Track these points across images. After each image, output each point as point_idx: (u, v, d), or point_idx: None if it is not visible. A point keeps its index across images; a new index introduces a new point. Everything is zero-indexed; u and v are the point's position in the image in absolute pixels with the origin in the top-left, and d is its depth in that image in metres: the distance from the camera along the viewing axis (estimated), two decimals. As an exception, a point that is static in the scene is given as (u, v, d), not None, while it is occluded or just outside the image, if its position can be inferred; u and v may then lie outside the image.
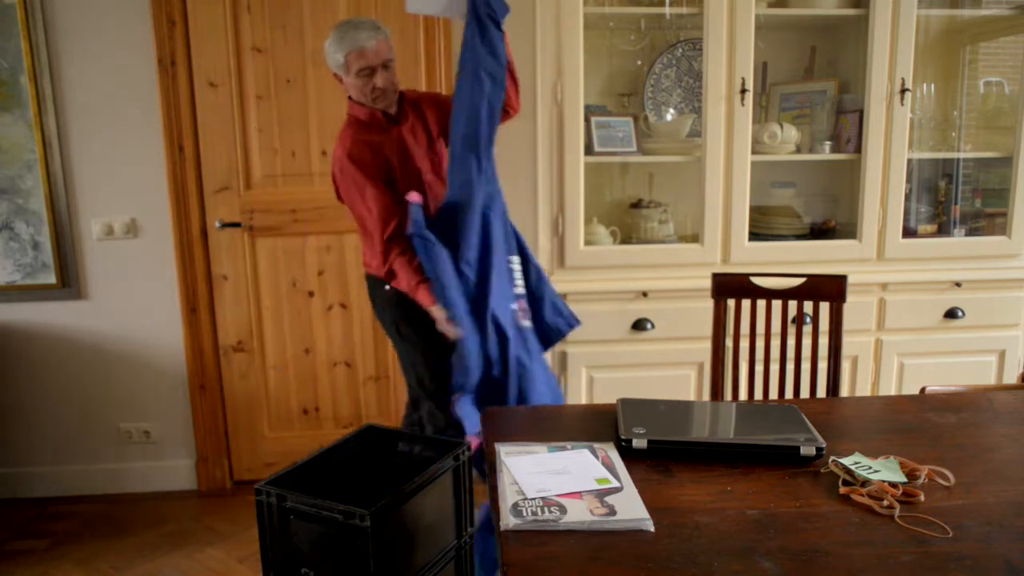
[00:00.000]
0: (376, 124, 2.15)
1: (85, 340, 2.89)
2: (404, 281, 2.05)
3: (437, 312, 1.98)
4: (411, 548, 1.67)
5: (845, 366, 2.64)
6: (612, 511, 1.20)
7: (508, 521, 1.17)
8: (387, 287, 2.15)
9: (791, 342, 2.13)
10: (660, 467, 1.37)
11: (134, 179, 2.79)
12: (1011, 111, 2.73)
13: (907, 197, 2.68)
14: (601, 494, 1.25)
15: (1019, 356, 2.72)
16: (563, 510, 1.20)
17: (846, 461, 1.32)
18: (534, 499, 1.24)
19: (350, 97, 2.16)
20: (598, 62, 2.79)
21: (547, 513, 1.19)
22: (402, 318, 2.18)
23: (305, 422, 3.05)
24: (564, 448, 1.44)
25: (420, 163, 2.18)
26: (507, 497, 1.25)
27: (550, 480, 1.30)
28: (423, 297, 2.00)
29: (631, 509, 1.20)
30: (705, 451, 1.40)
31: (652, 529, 1.15)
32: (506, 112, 2.19)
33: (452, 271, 2.00)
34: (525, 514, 1.19)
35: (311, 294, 2.95)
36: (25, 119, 2.70)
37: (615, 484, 1.29)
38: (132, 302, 2.87)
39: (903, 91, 2.56)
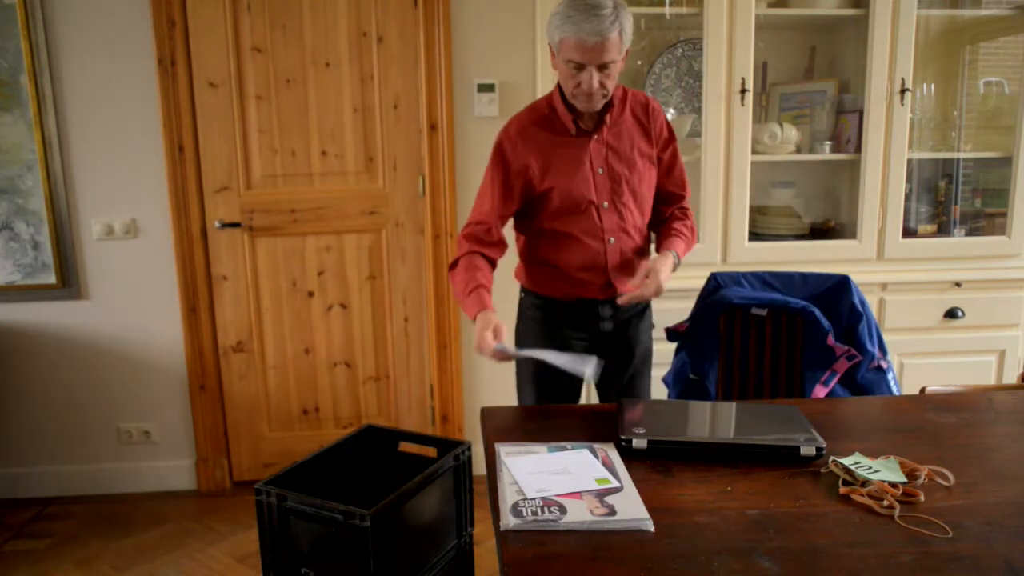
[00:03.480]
0: (557, 126, 1.83)
1: (85, 340, 2.89)
2: (456, 283, 1.87)
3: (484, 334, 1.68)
4: (411, 548, 1.67)
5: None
6: (612, 511, 1.20)
7: (508, 521, 1.17)
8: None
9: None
10: (660, 467, 1.37)
11: (134, 179, 2.79)
12: (1011, 111, 2.73)
13: (907, 197, 2.69)
14: (601, 494, 1.25)
15: (1019, 356, 2.72)
16: (563, 510, 1.20)
17: (846, 461, 1.32)
18: (534, 499, 1.24)
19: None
20: (598, 62, 2.79)
21: (547, 513, 1.19)
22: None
23: (305, 422, 3.05)
24: (564, 448, 1.44)
25: (597, 193, 1.83)
26: (507, 497, 1.25)
27: (550, 480, 1.30)
28: (465, 309, 1.85)
29: (631, 509, 1.20)
30: (705, 451, 1.40)
31: (652, 529, 1.15)
32: None
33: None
34: (525, 514, 1.19)
35: (311, 294, 2.95)
36: (25, 119, 2.70)
37: (615, 484, 1.29)
38: (132, 302, 2.87)
39: (903, 91, 2.56)
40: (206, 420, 2.98)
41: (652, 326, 2.06)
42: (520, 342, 2.05)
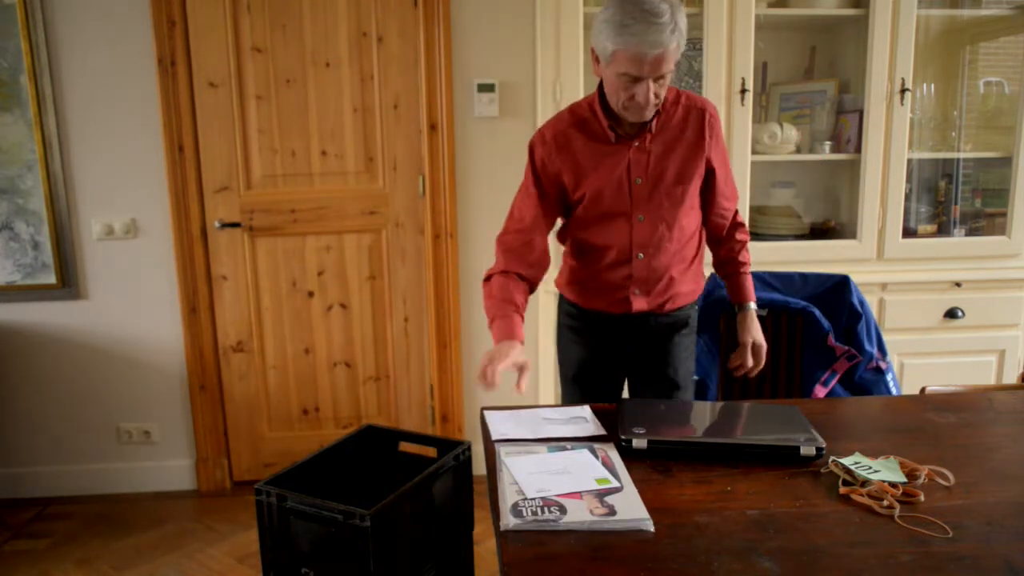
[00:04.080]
0: (596, 130, 1.71)
1: (85, 340, 2.89)
2: (487, 303, 1.72)
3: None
4: (411, 548, 1.67)
5: (845, 366, 2.64)
6: (612, 511, 1.20)
7: (508, 521, 1.17)
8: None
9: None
10: (660, 467, 1.37)
11: (134, 179, 2.79)
12: (1011, 111, 2.73)
13: (907, 197, 2.69)
14: (601, 494, 1.25)
15: (1019, 356, 2.72)
16: (563, 510, 1.20)
17: (846, 461, 1.32)
18: (534, 499, 1.24)
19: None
20: (598, 62, 2.79)
21: (547, 513, 1.19)
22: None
23: (305, 422, 3.05)
24: (564, 448, 1.44)
25: (633, 204, 1.72)
26: (507, 497, 1.25)
27: (550, 480, 1.30)
28: (492, 334, 1.67)
29: (631, 509, 1.20)
30: (705, 451, 1.40)
31: (652, 529, 1.15)
32: None
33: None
34: (525, 514, 1.19)
35: (311, 294, 2.95)
36: (25, 119, 2.70)
37: (615, 484, 1.29)
38: (132, 302, 2.87)
39: (903, 91, 2.56)
40: (206, 420, 2.98)
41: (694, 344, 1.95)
42: (558, 345, 1.99)
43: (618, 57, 1.54)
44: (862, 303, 2.04)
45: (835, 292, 2.05)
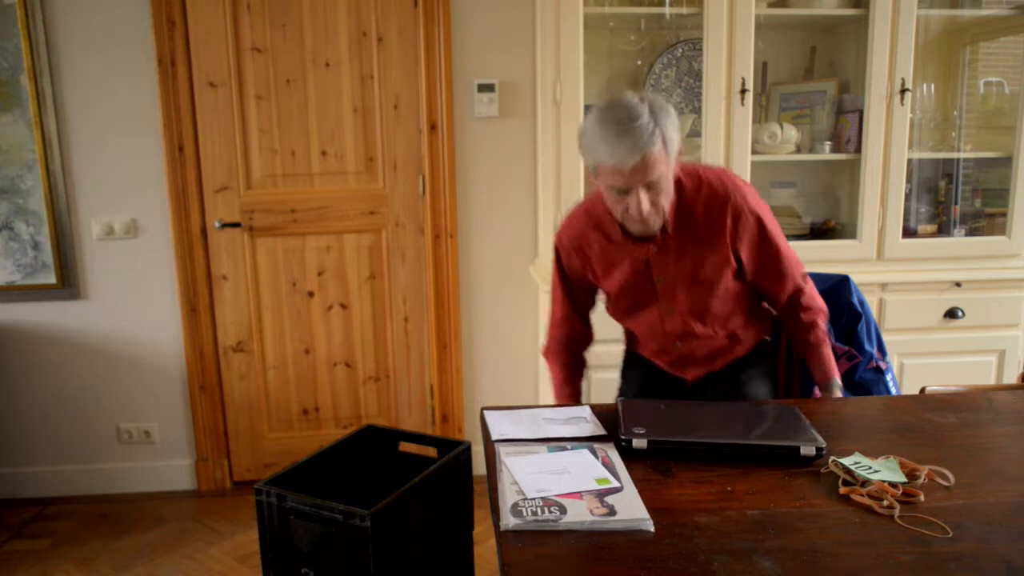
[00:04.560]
0: (613, 233, 1.67)
1: (85, 340, 2.89)
2: (551, 382, 1.93)
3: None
4: (411, 548, 1.67)
5: (845, 366, 2.64)
6: (612, 511, 1.20)
7: (508, 521, 1.17)
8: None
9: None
10: (660, 467, 1.37)
11: (134, 179, 2.79)
12: (1011, 111, 2.73)
13: (907, 197, 2.68)
14: (601, 494, 1.25)
15: (1019, 356, 2.72)
16: (563, 510, 1.20)
17: (846, 461, 1.32)
18: (534, 499, 1.24)
19: None
20: (598, 62, 2.79)
21: (547, 513, 1.19)
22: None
23: (305, 422, 3.05)
24: (564, 448, 1.43)
25: (659, 301, 1.70)
26: (507, 497, 1.25)
27: (550, 480, 1.30)
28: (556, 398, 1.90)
29: (631, 509, 1.20)
30: (705, 451, 1.40)
31: (652, 529, 1.15)
32: None
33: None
34: (525, 514, 1.19)
35: (311, 294, 2.95)
36: (25, 119, 2.70)
37: (615, 484, 1.29)
38: (132, 302, 2.87)
39: (903, 91, 2.56)
40: (206, 420, 2.98)
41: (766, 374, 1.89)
42: (623, 383, 2.01)
43: (601, 171, 1.49)
44: (862, 303, 2.04)
45: (835, 292, 2.04)
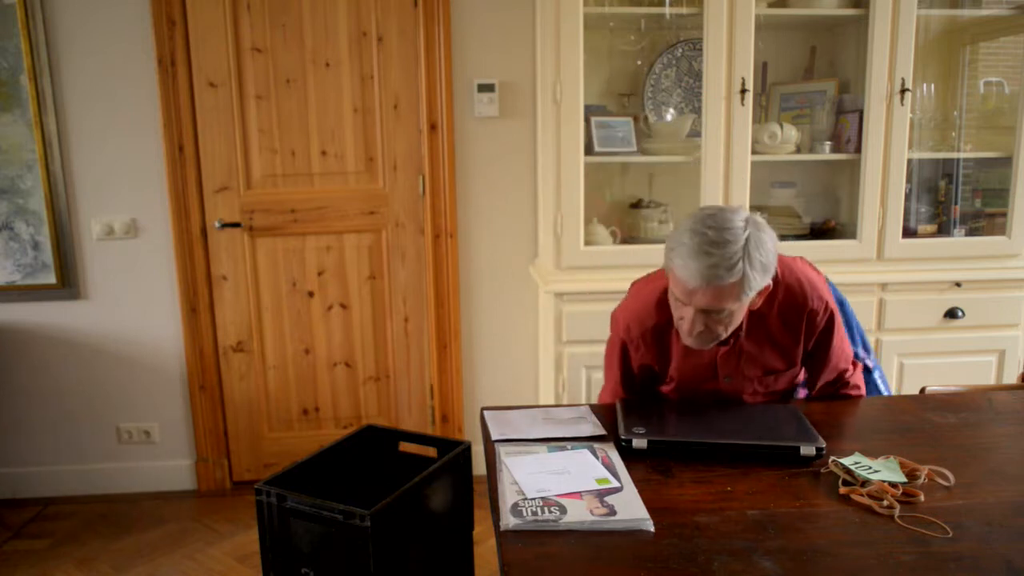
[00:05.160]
0: (677, 333, 1.59)
1: (85, 340, 2.89)
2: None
3: None
4: (411, 548, 1.67)
5: (845, 366, 2.64)
6: (612, 511, 1.20)
7: (508, 521, 1.17)
8: None
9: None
10: (660, 467, 1.37)
11: (134, 179, 2.79)
12: (1011, 111, 2.73)
13: (907, 197, 2.68)
14: (601, 494, 1.25)
15: (1019, 356, 2.72)
16: (563, 510, 1.20)
17: (846, 461, 1.32)
18: (534, 499, 1.24)
19: None
20: (598, 62, 2.79)
21: (547, 513, 1.19)
22: None
23: (305, 422, 3.05)
24: (564, 448, 1.44)
25: (722, 387, 1.67)
26: (507, 497, 1.25)
27: (550, 480, 1.30)
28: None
29: (631, 509, 1.20)
30: (705, 451, 1.40)
31: (652, 529, 1.15)
32: None
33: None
34: (525, 514, 1.19)
35: (311, 294, 2.95)
36: (25, 119, 2.70)
37: (615, 484, 1.29)
38: (132, 302, 2.87)
39: (903, 91, 2.56)
40: (206, 420, 2.98)
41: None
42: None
43: (672, 274, 1.43)
44: (842, 303, 2.03)
45: None
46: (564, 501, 1.23)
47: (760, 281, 1.40)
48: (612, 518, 1.18)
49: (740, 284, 1.36)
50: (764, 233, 1.40)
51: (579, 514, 1.19)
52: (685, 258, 1.36)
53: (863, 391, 1.78)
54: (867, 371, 1.95)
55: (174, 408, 2.98)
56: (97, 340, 2.89)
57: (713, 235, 1.35)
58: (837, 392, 1.75)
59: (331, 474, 1.82)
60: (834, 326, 1.65)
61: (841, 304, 1.97)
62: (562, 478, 1.31)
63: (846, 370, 1.73)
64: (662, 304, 1.58)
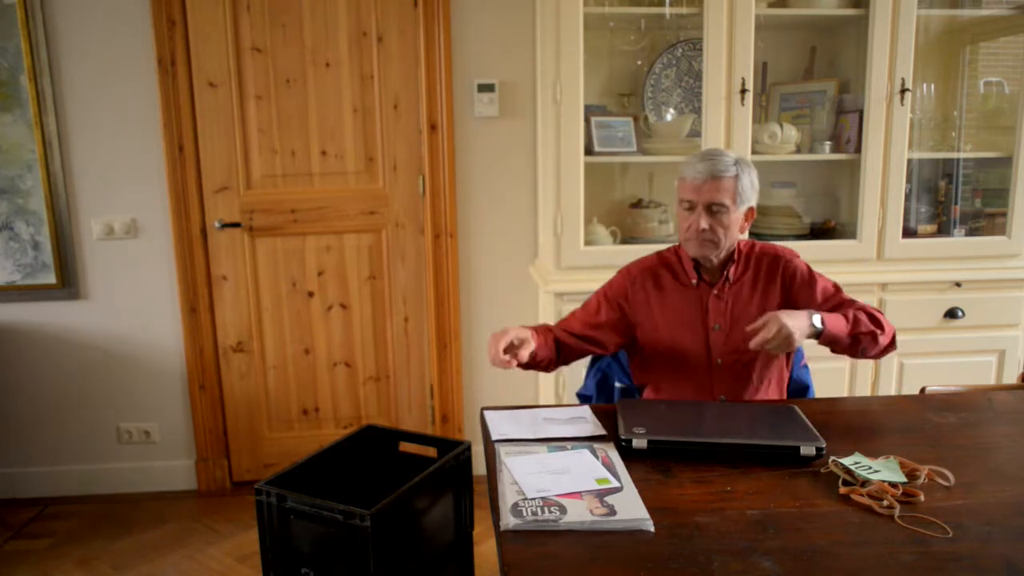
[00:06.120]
0: (680, 274, 1.82)
1: (85, 340, 2.89)
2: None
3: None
4: (411, 548, 1.67)
5: (845, 366, 2.64)
6: (612, 511, 1.20)
7: (508, 521, 1.17)
8: None
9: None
10: (660, 467, 1.37)
11: (134, 179, 2.79)
12: (1011, 111, 2.73)
13: (907, 197, 2.68)
14: (601, 494, 1.25)
15: (1019, 356, 2.72)
16: (563, 510, 1.20)
17: (846, 461, 1.32)
18: (534, 499, 1.24)
19: None
20: (598, 62, 2.79)
21: (547, 513, 1.19)
22: None
23: (305, 422, 3.05)
24: (564, 448, 1.44)
25: (711, 350, 1.79)
26: (507, 497, 1.25)
27: (550, 480, 1.30)
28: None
29: (631, 509, 1.20)
30: (705, 451, 1.40)
31: (652, 529, 1.15)
32: None
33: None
34: (525, 514, 1.19)
35: (311, 294, 2.95)
36: (25, 119, 2.70)
37: (615, 484, 1.29)
38: (132, 302, 2.87)
39: (903, 91, 2.56)
40: (206, 420, 2.98)
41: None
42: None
43: (680, 186, 1.75)
44: None
45: None
46: (564, 501, 1.23)
47: (749, 191, 1.73)
48: (612, 518, 1.18)
49: (736, 181, 1.70)
50: (751, 167, 1.76)
51: (579, 514, 1.19)
52: (693, 163, 1.72)
53: (878, 321, 1.71)
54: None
55: (174, 408, 2.98)
56: (97, 340, 2.89)
57: (713, 151, 1.76)
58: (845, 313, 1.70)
59: (331, 474, 1.82)
60: (815, 280, 1.80)
61: None
62: (562, 478, 1.31)
63: (844, 302, 1.77)
64: (662, 256, 1.88)
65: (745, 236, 1.82)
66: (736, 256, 1.79)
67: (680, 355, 1.80)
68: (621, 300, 1.85)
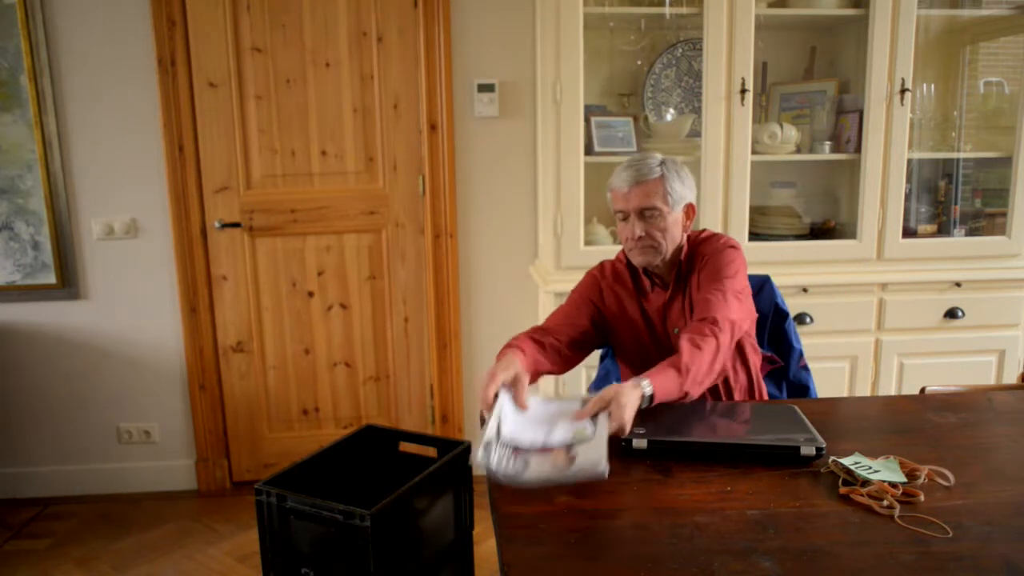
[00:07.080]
0: (640, 281, 1.82)
1: (85, 340, 2.89)
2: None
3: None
4: (411, 548, 1.67)
5: (844, 366, 2.64)
6: (573, 461, 1.23)
7: (477, 455, 1.24)
8: None
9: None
10: (660, 467, 1.37)
11: (134, 179, 2.79)
12: (1011, 111, 2.73)
13: (907, 197, 2.68)
14: (572, 446, 1.30)
15: (1019, 356, 2.72)
16: (527, 465, 1.25)
17: (846, 461, 1.32)
18: (506, 447, 1.30)
19: None
20: (598, 62, 2.79)
21: (510, 465, 1.25)
22: None
23: (305, 422, 3.05)
24: (559, 400, 1.52)
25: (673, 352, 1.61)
26: (489, 429, 1.31)
27: (531, 429, 1.36)
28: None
29: (589, 455, 1.25)
30: (705, 451, 1.40)
31: (605, 475, 1.20)
32: None
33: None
34: (492, 458, 1.25)
35: (311, 294, 2.95)
36: (25, 119, 2.70)
37: (589, 433, 1.32)
38: (132, 302, 2.87)
39: (903, 91, 2.56)
40: (206, 420, 2.98)
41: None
42: None
43: (611, 197, 1.75)
44: (782, 301, 2.05)
45: (758, 294, 2.03)
46: (532, 457, 1.27)
47: (679, 189, 1.69)
48: (569, 470, 1.22)
49: (663, 182, 1.68)
50: (679, 166, 1.72)
51: (539, 470, 1.23)
52: (619, 172, 1.72)
53: (694, 339, 1.57)
54: (806, 369, 1.99)
55: (174, 408, 2.98)
56: (97, 340, 2.89)
57: (637, 157, 1.74)
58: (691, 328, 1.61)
59: (331, 474, 1.82)
60: (723, 261, 1.70)
61: (785, 316, 2.01)
62: (541, 428, 1.36)
63: (712, 318, 1.60)
64: (622, 261, 1.86)
65: (690, 232, 1.76)
66: (683, 255, 1.76)
67: (652, 360, 1.65)
68: (603, 299, 1.83)
